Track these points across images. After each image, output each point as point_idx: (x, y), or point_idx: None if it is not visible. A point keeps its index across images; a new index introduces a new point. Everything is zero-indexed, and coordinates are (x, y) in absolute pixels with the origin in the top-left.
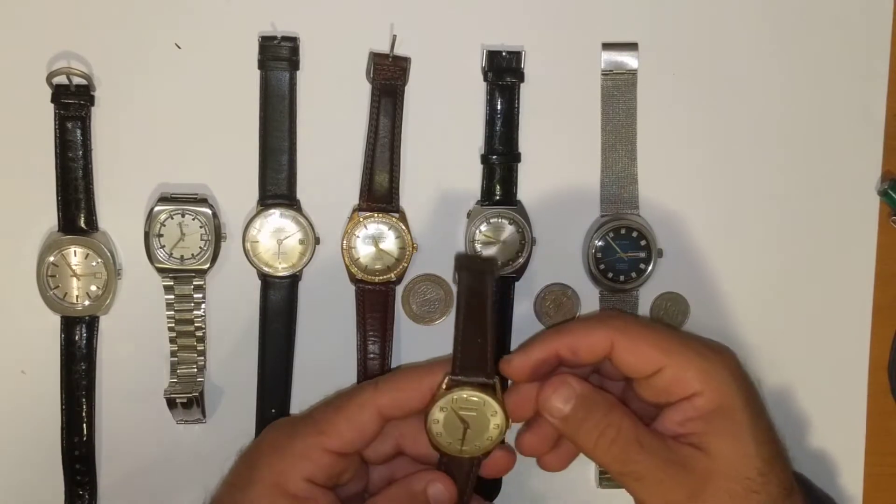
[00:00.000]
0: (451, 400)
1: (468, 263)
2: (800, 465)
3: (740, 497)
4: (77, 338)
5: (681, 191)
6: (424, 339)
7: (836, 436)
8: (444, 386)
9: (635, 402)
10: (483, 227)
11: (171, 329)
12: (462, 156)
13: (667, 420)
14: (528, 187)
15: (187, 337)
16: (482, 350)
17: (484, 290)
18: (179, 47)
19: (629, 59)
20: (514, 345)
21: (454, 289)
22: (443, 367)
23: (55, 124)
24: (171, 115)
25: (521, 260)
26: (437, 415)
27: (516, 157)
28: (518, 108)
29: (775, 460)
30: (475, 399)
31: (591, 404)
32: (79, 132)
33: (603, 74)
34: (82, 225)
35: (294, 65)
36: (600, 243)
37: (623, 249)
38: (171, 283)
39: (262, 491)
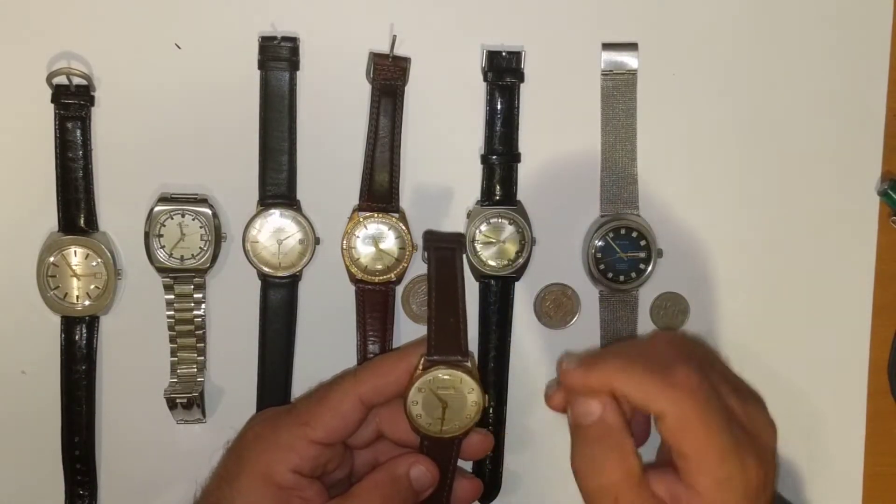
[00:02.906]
0: (428, 380)
1: (435, 241)
2: (799, 465)
3: None
4: (77, 338)
5: (681, 191)
6: None
7: (836, 436)
8: (420, 367)
9: None
10: (483, 227)
11: (171, 329)
12: (462, 156)
13: (663, 477)
14: (528, 187)
15: (187, 337)
16: (455, 329)
17: (453, 267)
18: (179, 47)
19: (629, 59)
20: (514, 345)
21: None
22: (419, 349)
23: (55, 124)
24: (171, 114)
25: (521, 260)
26: (416, 396)
27: (516, 157)
28: (518, 108)
29: None
30: (452, 378)
31: (603, 435)
32: (79, 132)
33: (603, 74)
34: (82, 225)
35: (294, 65)
36: (600, 243)
37: (623, 249)
38: (171, 283)
39: (250, 483)
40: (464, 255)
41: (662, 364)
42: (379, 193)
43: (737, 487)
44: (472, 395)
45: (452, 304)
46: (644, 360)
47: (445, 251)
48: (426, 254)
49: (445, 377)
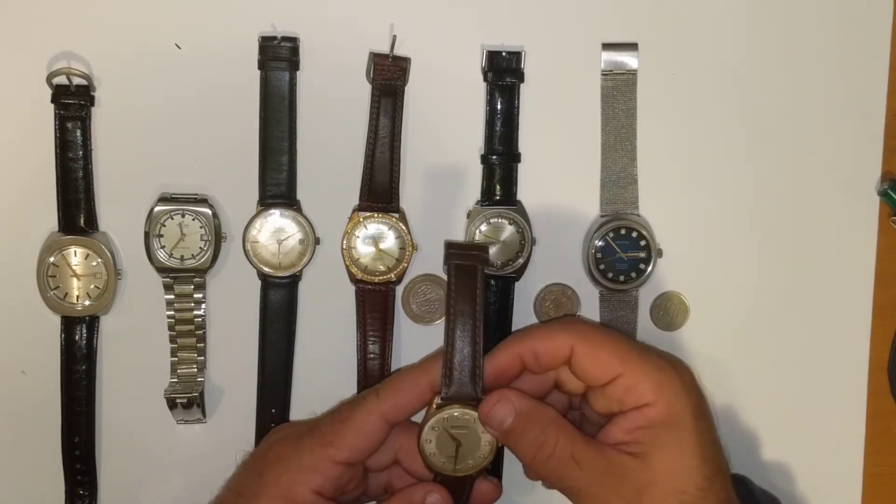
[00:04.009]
0: (441, 419)
1: (456, 256)
2: (799, 465)
3: None
4: (77, 338)
5: (681, 191)
6: (424, 339)
7: (835, 436)
8: (434, 405)
9: (589, 416)
10: (483, 227)
11: (171, 329)
12: (462, 156)
13: (614, 427)
14: (528, 187)
15: (187, 337)
16: (472, 366)
17: (473, 291)
18: (179, 47)
19: (629, 59)
20: None
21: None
22: (437, 364)
23: (55, 124)
24: (171, 115)
25: (521, 260)
26: (429, 434)
27: (516, 157)
28: (518, 108)
29: (716, 477)
30: (466, 417)
31: (529, 419)
32: (79, 132)
33: (603, 74)
34: (82, 225)
35: (294, 65)
36: (600, 243)
37: (623, 249)
38: (171, 283)
39: (271, 503)
40: (486, 271)
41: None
42: (379, 193)
43: (674, 379)
44: (486, 434)
45: (471, 335)
46: (535, 326)
47: (467, 269)
48: (446, 267)
49: (460, 416)
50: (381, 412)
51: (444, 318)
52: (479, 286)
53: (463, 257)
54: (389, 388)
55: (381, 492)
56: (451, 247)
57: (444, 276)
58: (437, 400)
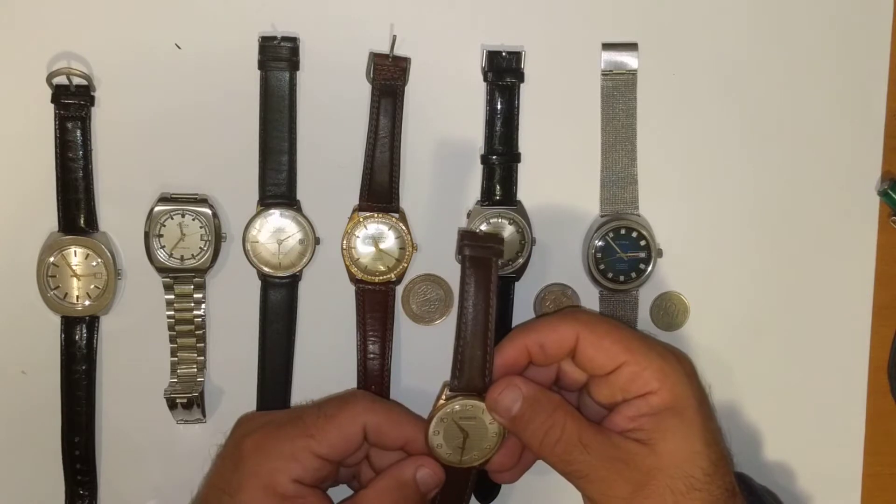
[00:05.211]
0: (449, 411)
1: (471, 248)
2: (799, 464)
3: (682, 494)
4: (77, 338)
5: (681, 191)
6: (424, 339)
7: (835, 436)
8: (443, 397)
9: (588, 409)
10: (483, 228)
11: (171, 329)
12: (462, 156)
13: (618, 415)
14: (528, 187)
15: (187, 337)
16: (481, 363)
17: (487, 285)
18: (179, 47)
19: (629, 59)
20: None
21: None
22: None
23: (55, 124)
24: (171, 115)
25: (521, 260)
26: (438, 426)
27: (516, 157)
28: (518, 108)
29: (720, 462)
30: (473, 408)
31: (536, 405)
32: (79, 132)
33: (603, 74)
34: (82, 225)
35: (294, 65)
36: (600, 243)
37: (623, 249)
38: (171, 283)
39: (254, 494)
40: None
41: (553, 314)
42: (379, 193)
43: (676, 367)
44: (493, 425)
45: (482, 328)
46: (538, 318)
47: (481, 261)
48: (459, 257)
49: (467, 408)
50: (365, 422)
51: (456, 308)
52: (493, 278)
53: (478, 248)
54: (389, 411)
55: (350, 478)
56: (465, 237)
57: (444, 276)
58: (447, 392)
